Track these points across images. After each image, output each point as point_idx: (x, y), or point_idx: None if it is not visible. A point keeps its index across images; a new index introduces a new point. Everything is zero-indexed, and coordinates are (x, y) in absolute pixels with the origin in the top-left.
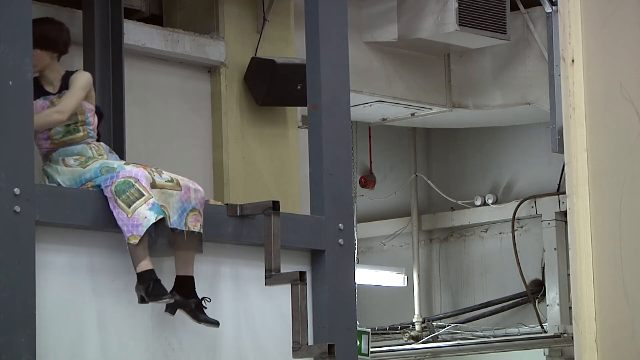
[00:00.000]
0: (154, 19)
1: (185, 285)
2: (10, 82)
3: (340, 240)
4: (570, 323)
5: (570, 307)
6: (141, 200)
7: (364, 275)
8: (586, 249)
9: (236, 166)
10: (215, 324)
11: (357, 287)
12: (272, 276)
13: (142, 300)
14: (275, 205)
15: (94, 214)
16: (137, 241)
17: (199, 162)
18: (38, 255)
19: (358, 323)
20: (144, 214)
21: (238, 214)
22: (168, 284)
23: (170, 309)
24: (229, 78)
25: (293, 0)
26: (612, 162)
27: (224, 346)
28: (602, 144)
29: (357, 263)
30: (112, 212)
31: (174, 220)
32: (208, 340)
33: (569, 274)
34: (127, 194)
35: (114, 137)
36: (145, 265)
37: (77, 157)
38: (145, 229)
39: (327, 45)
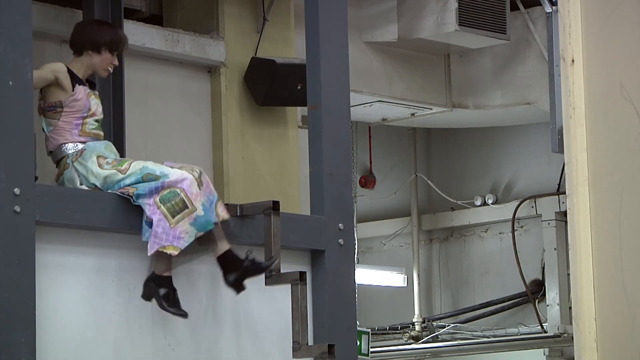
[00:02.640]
0: (154, 19)
1: (229, 259)
2: (10, 82)
3: (340, 240)
4: (570, 323)
5: (570, 307)
6: (185, 212)
7: (364, 275)
8: (586, 249)
9: (236, 166)
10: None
11: (357, 287)
12: (272, 276)
13: (148, 298)
14: (275, 205)
15: (94, 214)
16: (177, 253)
17: (199, 162)
18: (38, 255)
19: (358, 323)
20: (186, 229)
21: (238, 214)
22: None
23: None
24: (229, 78)
25: (293, 0)
26: (612, 162)
27: (224, 346)
28: (602, 144)
29: (357, 263)
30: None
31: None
32: (208, 340)
33: (569, 274)
34: (172, 202)
35: (114, 137)
36: (166, 271)
37: (110, 159)
38: (186, 244)
39: (327, 45)
